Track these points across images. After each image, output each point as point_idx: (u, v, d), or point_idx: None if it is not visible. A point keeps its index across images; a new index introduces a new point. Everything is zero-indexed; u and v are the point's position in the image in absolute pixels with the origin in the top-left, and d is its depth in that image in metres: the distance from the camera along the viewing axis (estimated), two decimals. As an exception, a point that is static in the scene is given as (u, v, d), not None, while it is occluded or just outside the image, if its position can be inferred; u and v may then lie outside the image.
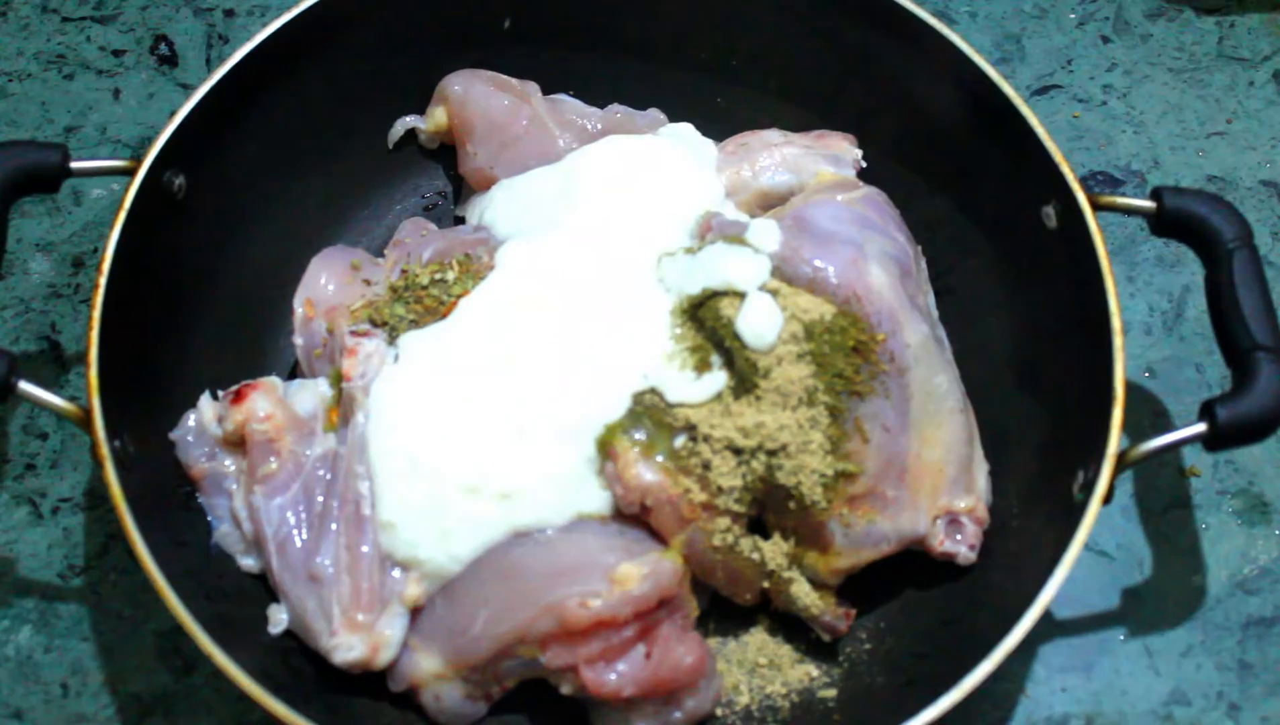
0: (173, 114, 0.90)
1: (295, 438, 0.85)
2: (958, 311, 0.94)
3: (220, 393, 0.88)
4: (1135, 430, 0.95)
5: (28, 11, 1.16)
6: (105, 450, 0.80)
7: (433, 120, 1.02)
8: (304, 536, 0.83)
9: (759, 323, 0.82)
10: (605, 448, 0.82)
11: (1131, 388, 0.95)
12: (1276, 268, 1.04)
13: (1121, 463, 0.80)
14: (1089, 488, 0.80)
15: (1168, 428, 0.92)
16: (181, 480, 0.87)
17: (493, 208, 0.96)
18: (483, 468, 0.82)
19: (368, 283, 0.92)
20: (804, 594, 0.84)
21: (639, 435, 0.82)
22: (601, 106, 1.01)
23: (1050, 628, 0.90)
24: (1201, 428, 0.80)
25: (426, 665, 0.81)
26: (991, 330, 0.94)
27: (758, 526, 0.85)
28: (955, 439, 0.86)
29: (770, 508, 0.83)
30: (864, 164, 0.96)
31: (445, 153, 1.05)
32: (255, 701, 0.74)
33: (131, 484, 0.80)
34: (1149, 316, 1.02)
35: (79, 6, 1.16)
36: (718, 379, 0.83)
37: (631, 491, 0.81)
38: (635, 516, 0.83)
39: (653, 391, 0.83)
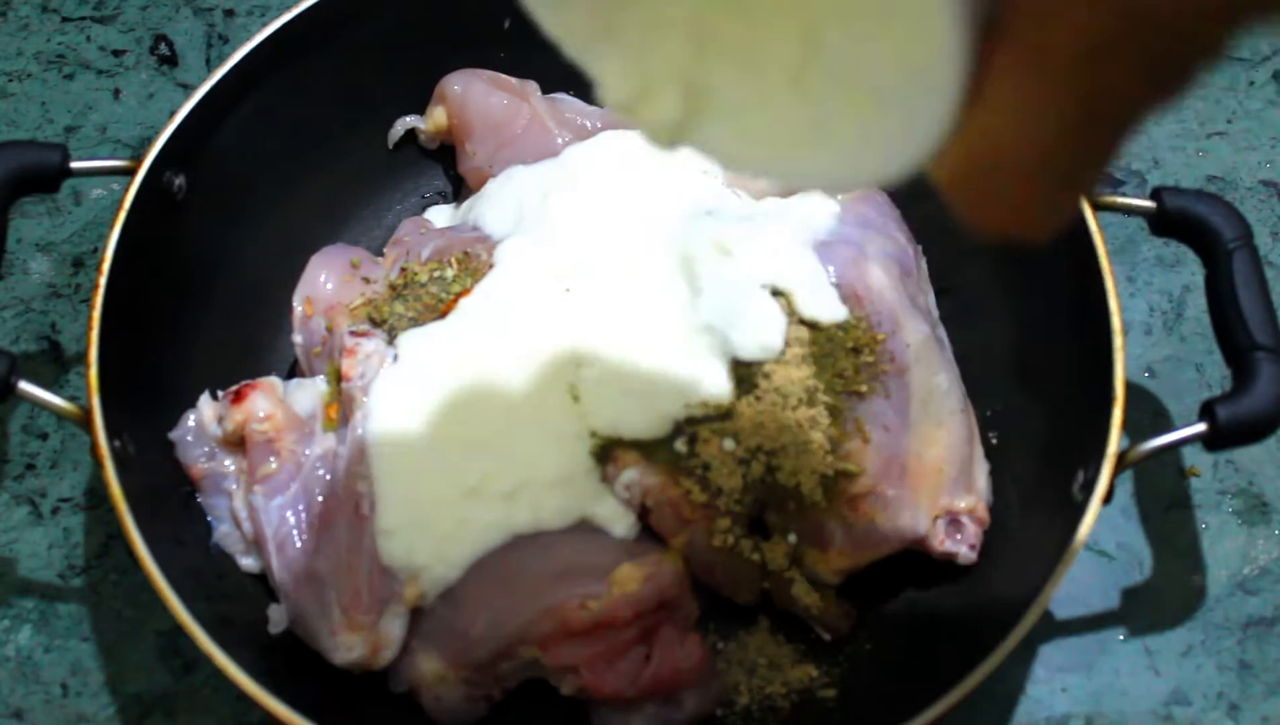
0: (173, 114, 0.90)
1: (295, 437, 0.85)
2: (958, 311, 0.94)
3: (220, 393, 0.88)
4: (1135, 430, 0.95)
5: (28, 11, 1.16)
6: (105, 450, 0.80)
7: (432, 120, 1.02)
8: (304, 536, 0.83)
9: (764, 326, 0.82)
10: (605, 449, 0.82)
11: (1131, 388, 0.95)
12: (1276, 268, 1.04)
13: (1121, 463, 0.80)
14: (1089, 488, 0.80)
15: (1168, 428, 0.91)
16: (181, 480, 0.87)
17: (487, 205, 0.95)
18: (483, 469, 0.81)
19: (367, 281, 0.92)
20: (804, 594, 0.84)
21: (639, 435, 0.82)
22: (601, 105, 1.01)
23: (1050, 628, 0.90)
24: (1201, 428, 0.80)
25: (427, 666, 0.81)
26: (991, 330, 0.94)
27: (758, 526, 0.85)
28: (955, 439, 0.86)
29: (771, 508, 0.83)
30: (864, 164, 0.96)
31: (445, 153, 1.04)
32: (255, 701, 0.74)
33: (131, 484, 0.80)
34: (1149, 316, 1.02)
35: (79, 6, 1.16)
36: (717, 378, 0.83)
37: (632, 492, 0.81)
38: (635, 517, 0.82)
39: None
